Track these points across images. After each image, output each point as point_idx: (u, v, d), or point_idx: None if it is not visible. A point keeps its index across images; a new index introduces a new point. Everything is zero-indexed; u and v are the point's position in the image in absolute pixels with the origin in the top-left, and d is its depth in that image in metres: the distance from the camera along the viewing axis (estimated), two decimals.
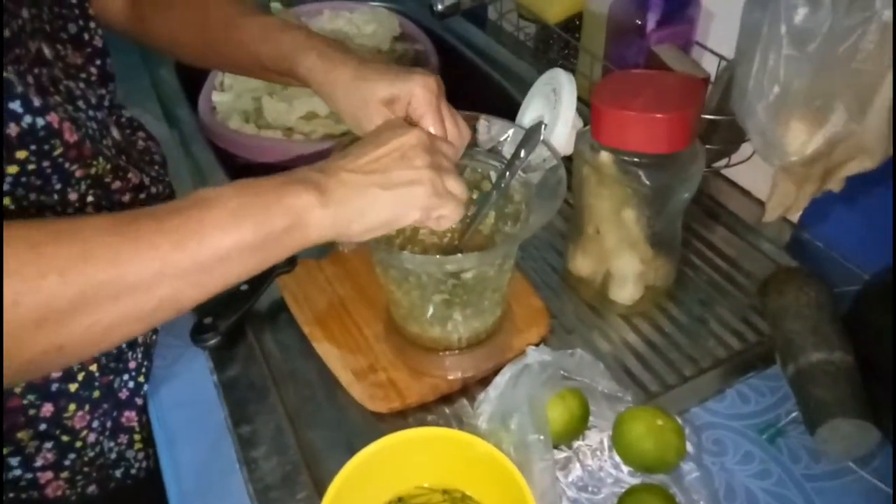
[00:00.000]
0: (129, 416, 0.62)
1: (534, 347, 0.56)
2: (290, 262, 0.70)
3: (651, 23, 0.75)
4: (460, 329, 0.59)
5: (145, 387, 0.62)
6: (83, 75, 0.58)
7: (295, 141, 0.93)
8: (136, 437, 0.64)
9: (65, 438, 0.57)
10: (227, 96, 1.01)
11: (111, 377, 0.60)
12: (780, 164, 0.60)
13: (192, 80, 1.02)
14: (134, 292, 0.37)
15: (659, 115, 0.55)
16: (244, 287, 0.67)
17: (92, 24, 0.58)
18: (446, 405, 0.61)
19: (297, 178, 0.44)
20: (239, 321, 0.66)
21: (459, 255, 0.47)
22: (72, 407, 0.57)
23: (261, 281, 0.68)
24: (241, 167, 0.90)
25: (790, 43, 0.53)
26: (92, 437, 0.59)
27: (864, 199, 0.67)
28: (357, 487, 0.48)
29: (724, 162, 0.78)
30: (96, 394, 0.58)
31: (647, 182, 0.58)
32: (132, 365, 0.61)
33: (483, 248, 0.64)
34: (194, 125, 0.96)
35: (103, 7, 0.64)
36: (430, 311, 0.57)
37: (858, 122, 0.55)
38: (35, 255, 0.34)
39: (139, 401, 0.62)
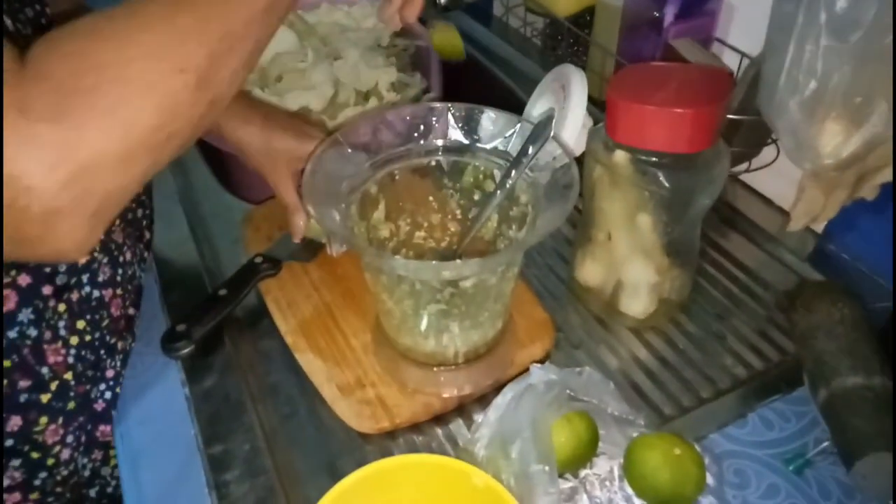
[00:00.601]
0: (105, 430, 0.57)
1: (538, 366, 0.50)
2: (275, 265, 0.65)
3: (669, 15, 0.70)
4: (457, 342, 0.53)
5: (117, 430, 0.56)
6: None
7: None
8: (112, 452, 0.58)
9: (34, 455, 0.52)
10: None
11: (88, 387, 0.55)
12: (812, 168, 0.55)
13: None
14: (241, 39, 0.38)
15: (681, 110, 0.50)
16: (223, 291, 0.61)
17: (48, 10, 0.52)
18: (440, 426, 0.56)
19: None
20: (216, 328, 0.60)
21: (458, 261, 0.42)
22: (43, 420, 0.52)
23: (241, 285, 0.62)
24: (225, 160, 0.85)
25: (829, 33, 0.48)
26: (66, 454, 0.54)
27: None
28: None
29: (744, 166, 0.73)
30: (71, 405, 0.53)
31: (666, 184, 0.53)
32: (110, 374, 0.56)
33: (485, 254, 0.59)
34: None
35: None
36: (425, 322, 0.51)
37: None
38: (178, 34, 0.36)
39: (115, 413, 0.57)
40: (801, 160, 0.54)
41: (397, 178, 0.55)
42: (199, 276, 0.67)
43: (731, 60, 0.71)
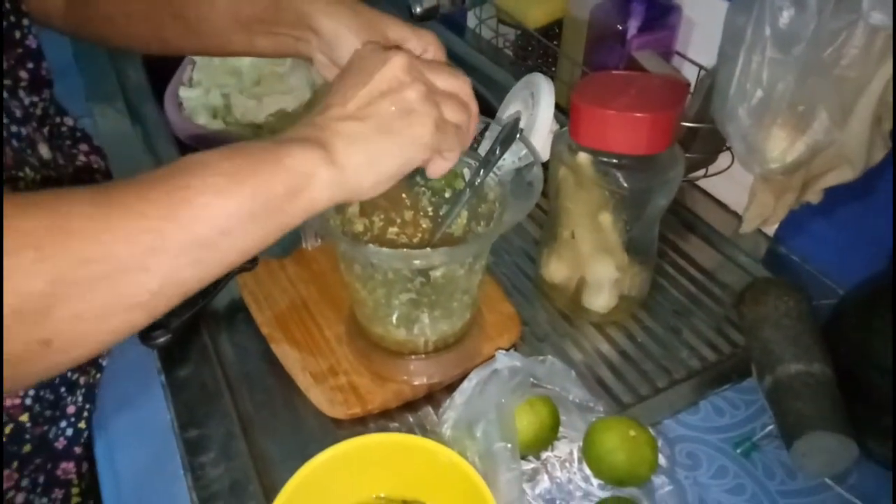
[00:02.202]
0: (66, 468, 0.55)
1: (503, 352, 0.53)
2: (252, 261, 0.67)
3: (632, 29, 0.73)
4: (427, 332, 0.56)
5: (86, 433, 0.56)
6: (8, 81, 0.50)
7: (246, 138, 0.90)
8: (74, 489, 0.57)
9: None
10: (194, 92, 0.97)
11: (45, 427, 0.52)
12: (760, 172, 0.59)
13: (160, 75, 0.99)
14: (126, 272, 0.31)
15: (640, 115, 0.53)
16: None
17: (25, 21, 0.51)
18: (410, 412, 0.58)
19: (290, 138, 0.38)
20: (192, 319, 0.62)
21: (428, 249, 0.45)
22: None
23: (219, 278, 0.64)
24: None
25: (774, 45, 0.52)
26: (20, 498, 0.52)
27: (842, 213, 0.66)
28: (309, 497, 0.45)
29: (701, 173, 0.77)
30: (27, 448, 0.51)
31: (626, 184, 0.56)
32: (71, 410, 0.54)
33: None
34: (159, 121, 0.92)
35: (39, 2, 0.56)
36: (396, 311, 0.54)
37: (841, 130, 0.54)
38: (4, 229, 0.29)
39: (78, 450, 0.55)
40: (751, 164, 0.58)
41: None
42: None
43: (689, 72, 0.75)
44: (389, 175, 0.40)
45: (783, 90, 0.53)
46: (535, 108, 0.75)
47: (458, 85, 0.44)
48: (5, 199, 0.30)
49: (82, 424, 0.55)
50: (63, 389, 0.54)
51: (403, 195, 0.60)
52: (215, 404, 0.57)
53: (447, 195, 0.60)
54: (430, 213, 0.61)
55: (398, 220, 0.61)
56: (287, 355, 0.60)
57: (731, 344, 0.64)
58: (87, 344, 0.32)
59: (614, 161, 0.57)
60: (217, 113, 0.96)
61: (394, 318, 0.55)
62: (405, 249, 0.50)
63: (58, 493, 0.56)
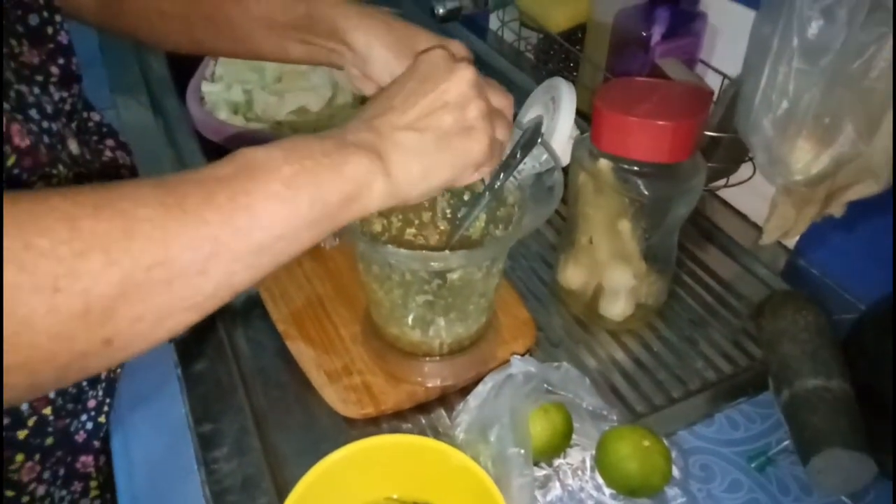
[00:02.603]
0: (86, 461, 0.56)
1: (518, 357, 0.53)
2: None
3: (656, 35, 0.73)
4: (442, 334, 0.56)
5: (105, 428, 0.56)
6: (40, 77, 0.50)
7: (283, 135, 0.90)
8: (93, 483, 0.57)
9: (9, 493, 0.50)
10: (216, 87, 0.98)
11: (67, 420, 0.52)
12: (783, 183, 0.58)
13: (183, 69, 1.00)
14: (186, 276, 0.32)
15: (663, 123, 0.53)
16: None
17: (57, 17, 0.51)
18: (423, 414, 0.58)
19: (350, 141, 0.38)
20: (209, 314, 0.62)
21: (446, 252, 0.45)
22: (19, 458, 0.49)
23: None
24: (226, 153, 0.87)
25: (801, 56, 0.52)
26: (41, 490, 0.52)
27: (864, 226, 0.65)
28: (320, 496, 0.45)
29: (722, 182, 0.76)
30: (49, 440, 0.51)
31: (646, 192, 0.56)
32: (91, 404, 0.54)
33: None
34: (181, 115, 0.93)
35: None
36: (412, 312, 0.54)
37: (867, 144, 0.53)
38: (72, 230, 0.29)
39: (97, 443, 0.56)
40: (774, 175, 0.58)
41: None
42: None
43: (713, 81, 0.75)
44: (438, 188, 0.42)
45: (809, 101, 0.53)
46: (556, 112, 0.75)
47: (506, 104, 0.46)
48: (72, 195, 0.30)
49: (102, 419, 0.55)
50: (85, 384, 0.54)
51: None
52: (230, 399, 0.57)
53: (466, 198, 0.60)
54: (448, 216, 0.61)
55: (416, 222, 0.61)
56: (302, 353, 0.60)
57: (748, 356, 0.63)
58: (145, 342, 0.33)
59: (635, 168, 0.56)
60: (238, 109, 0.96)
61: (409, 320, 0.55)
62: (423, 251, 0.50)
63: (77, 486, 0.56)
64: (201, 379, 0.59)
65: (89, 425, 0.55)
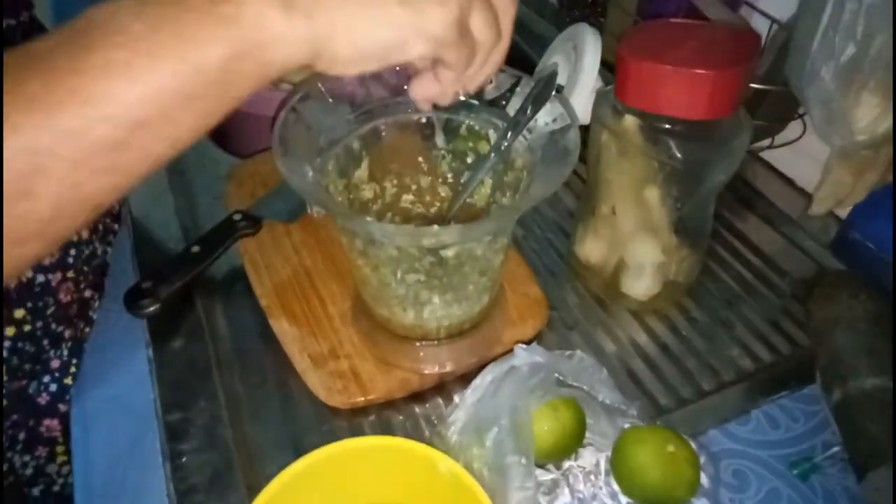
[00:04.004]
0: (50, 425, 0.52)
1: (523, 346, 0.46)
2: (254, 224, 0.61)
3: None
4: (438, 316, 0.49)
5: (73, 390, 0.52)
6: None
7: (282, 90, 0.83)
8: (59, 448, 0.54)
9: None
10: None
11: (24, 382, 0.50)
12: (842, 145, 0.50)
13: None
14: (8, 201, 0.25)
15: (701, 72, 0.44)
16: (195, 249, 0.57)
17: None
18: (417, 403, 0.52)
19: None
20: (186, 288, 0.56)
21: (435, 227, 0.37)
22: None
23: (216, 242, 0.58)
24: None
25: None
26: None
27: None
28: (293, 501, 0.39)
29: (766, 142, 0.67)
30: (3, 402, 0.49)
31: (679, 155, 0.48)
32: (55, 364, 0.51)
33: None
34: None
35: None
36: (404, 292, 0.47)
37: None
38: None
39: (64, 407, 0.52)
40: (831, 136, 0.49)
41: (384, 134, 0.50)
42: (176, 231, 0.63)
43: (759, 26, 0.65)
44: (373, 49, 0.31)
45: (882, 46, 0.44)
46: (579, 62, 0.67)
47: (507, 7, 0.35)
48: None
49: (68, 380, 0.52)
50: (46, 342, 0.51)
51: (420, 158, 0.53)
52: (203, 385, 0.51)
53: (469, 160, 0.52)
54: (450, 180, 0.54)
55: (413, 187, 0.54)
56: (285, 333, 0.54)
57: (791, 342, 0.55)
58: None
59: (666, 126, 0.48)
60: None
61: (400, 300, 0.48)
62: (410, 226, 0.43)
63: (42, 451, 0.53)
64: (173, 360, 0.53)
65: (53, 387, 0.52)
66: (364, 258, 0.46)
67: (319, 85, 0.47)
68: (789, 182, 0.69)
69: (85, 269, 0.54)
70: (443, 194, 0.55)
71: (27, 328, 0.49)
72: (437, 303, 0.48)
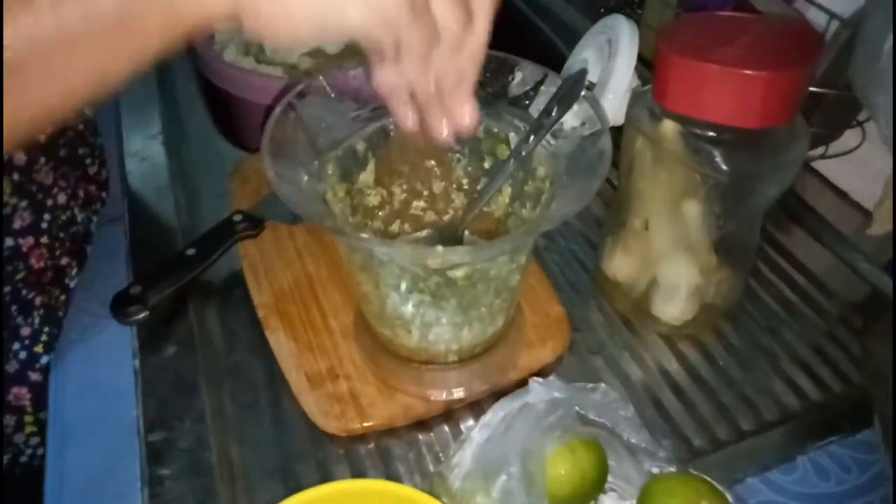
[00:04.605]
0: (19, 393, 0.50)
1: (539, 380, 0.41)
2: (256, 225, 0.56)
3: None
4: (447, 339, 0.44)
5: (44, 359, 0.49)
6: None
7: (296, 81, 0.78)
8: (28, 418, 0.52)
9: None
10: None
11: None
12: None
13: None
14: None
15: (754, 73, 0.38)
16: (191, 251, 0.53)
17: None
18: (421, 432, 0.47)
19: None
20: (179, 294, 0.52)
21: (439, 247, 0.32)
22: None
23: (213, 245, 0.54)
24: (228, 100, 0.76)
25: None
26: None
27: None
28: None
29: (818, 151, 0.61)
30: None
31: (724, 167, 0.42)
32: (25, 332, 0.49)
33: (493, 234, 0.49)
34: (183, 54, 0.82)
35: None
36: (407, 312, 0.42)
37: None
38: None
39: (35, 375, 0.50)
40: None
41: (392, 134, 0.46)
42: (174, 232, 0.59)
43: (816, 22, 0.58)
44: (299, 11, 0.27)
45: None
46: (613, 58, 0.61)
47: None
48: None
49: (39, 349, 0.50)
50: (14, 308, 0.49)
51: (432, 162, 0.48)
52: (190, 402, 0.47)
53: (487, 165, 0.47)
54: (466, 187, 0.49)
55: (425, 193, 0.49)
56: (282, 347, 0.50)
57: (843, 379, 0.49)
58: None
59: (711, 134, 0.42)
60: (249, 50, 0.85)
61: (404, 321, 0.43)
62: (411, 245, 0.38)
63: (9, 420, 0.51)
64: (161, 374, 0.49)
65: (22, 355, 0.50)
66: (364, 273, 0.42)
67: (322, 78, 0.42)
68: (843, 195, 0.63)
69: (61, 235, 0.52)
70: (457, 202, 0.50)
71: None
72: (445, 325, 0.43)
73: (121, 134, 0.68)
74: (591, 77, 0.63)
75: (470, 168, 0.48)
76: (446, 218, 0.51)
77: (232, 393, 0.49)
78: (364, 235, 0.32)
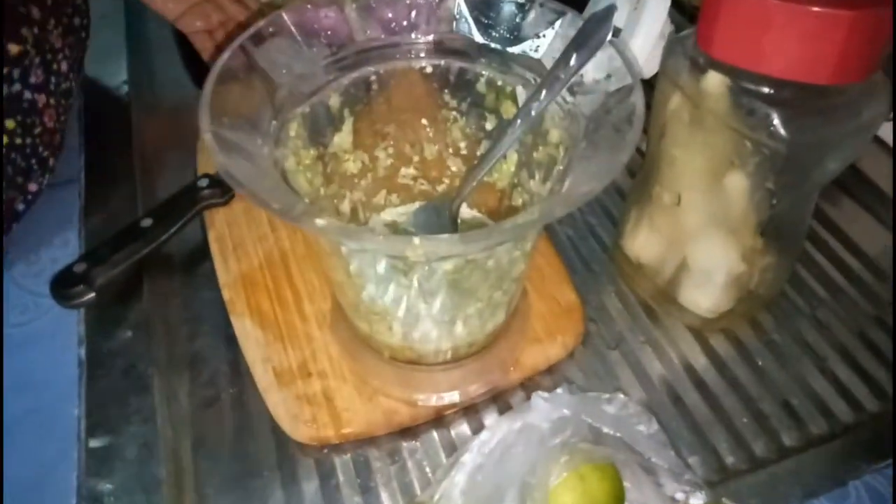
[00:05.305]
0: None
1: (543, 395, 0.34)
2: (224, 192, 0.49)
3: None
4: (434, 337, 0.37)
5: None
6: None
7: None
8: None
9: None
10: None
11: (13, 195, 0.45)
12: None
13: None
14: None
15: (832, 11, 0.30)
16: (146, 222, 0.46)
17: None
18: (406, 440, 0.40)
19: None
20: (132, 271, 0.45)
21: (415, 239, 0.25)
22: None
23: (173, 215, 0.47)
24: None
25: None
26: None
27: None
28: None
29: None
30: None
31: (783, 132, 0.34)
32: (33, 188, 0.47)
33: (495, 209, 0.42)
34: None
35: None
36: (386, 307, 0.35)
37: None
38: None
39: None
40: None
41: (374, 87, 0.37)
42: (133, 199, 0.52)
43: None
44: None
45: None
46: (642, 1, 0.52)
47: None
48: None
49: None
50: (34, 162, 0.47)
51: (424, 121, 0.40)
52: (139, 401, 0.40)
53: (489, 126, 0.39)
54: (464, 152, 0.41)
55: (415, 158, 0.42)
56: (248, 336, 0.43)
57: None
58: None
59: (768, 91, 0.34)
60: None
61: (383, 316, 0.36)
62: (382, 234, 0.31)
63: None
64: (109, 365, 0.42)
65: (20, 207, 0.48)
66: (336, 257, 0.34)
67: (284, 16, 0.34)
68: None
69: (63, 102, 0.52)
70: (454, 168, 0.42)
71: (18, 141, 0.46)
72: (431, 322, 0.35)
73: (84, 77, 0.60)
74: (617, 20, 0.54)
75: (469, 129, 0.40)
76: (440, 188, 0.43)
77: (190, 388, 0.42)
78: (320, 221, 0.24)
